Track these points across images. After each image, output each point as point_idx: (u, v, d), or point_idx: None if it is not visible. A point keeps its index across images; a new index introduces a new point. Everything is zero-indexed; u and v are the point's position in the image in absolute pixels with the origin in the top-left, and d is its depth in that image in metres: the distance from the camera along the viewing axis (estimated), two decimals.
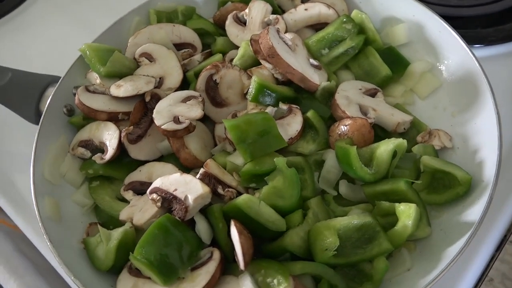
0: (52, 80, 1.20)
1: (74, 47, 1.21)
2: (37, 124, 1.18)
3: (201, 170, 0.98)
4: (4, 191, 1.21)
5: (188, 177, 0.94)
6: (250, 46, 1.11)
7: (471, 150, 0.99)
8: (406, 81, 1.16)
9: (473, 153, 0.98)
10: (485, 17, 1.35)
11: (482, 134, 0.98)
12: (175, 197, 0.91)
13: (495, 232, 1.00)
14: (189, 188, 0.91)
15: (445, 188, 0.96)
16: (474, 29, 1.32)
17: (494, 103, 0.96)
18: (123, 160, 1.09)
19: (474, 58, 1.04)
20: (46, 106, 1.11)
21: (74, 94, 1.18)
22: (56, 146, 1.10)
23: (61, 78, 1.16)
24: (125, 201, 1.05)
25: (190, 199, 0.90)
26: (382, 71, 1.15)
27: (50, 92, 1.17)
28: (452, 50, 1.10)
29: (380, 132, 1.08)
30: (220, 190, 0.95)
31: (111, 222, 1.03)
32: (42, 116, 1.10)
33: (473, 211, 0.87)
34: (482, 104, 1.00)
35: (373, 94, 1.13)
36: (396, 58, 1.18)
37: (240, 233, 0.83)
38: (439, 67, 1.14)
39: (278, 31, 1.11)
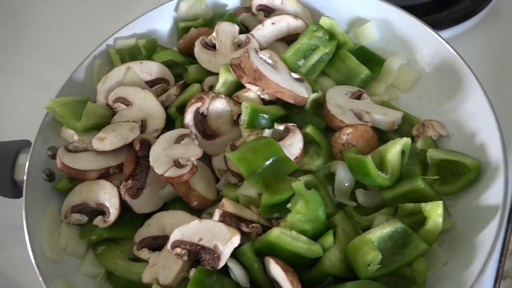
0: (21, 145, 1.09)
1: (32, 106, 1.11)
2: (15, 197, 1.07)
3: (219, 211, 0.93)
4: None
5: (209, 222, 0.89)
6: (232, 72, 1.08)
7: (467, 134, 1.03)
8: (385, 77, 1.19)
9: (471, 137, 1.02)
10: (433, 3, 1.41)
11: (475, 117, 1.02)
12: (203, 247, 0.86)
13: None
14: (214, 234, 0.87)
15: (453, 176, 0.99)
16: (428, 16, 1.37)
17: (481, 86, 1.01)
18: (124, 217, 1.01)
19: (449, 46, 1.08)
20: (25, 176, 1.00)
21: (50, 156, 1.08)
22: (47, 219, 1.00)
23: (34, 142, 1.05)
24: (139, 260, 0.98)
25: (221, 247, 0.85)
26: (361, 72, 1.16)
27: (23, 159, 1.06)
28: (424, 41, 1.14)
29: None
30: (244, 228, 0.92)
31: (131, 286, 0.95)
32: (24, 189, 0.99)
33: (491, 194, 0.91)
34: (468, 88, 1.04)
35: (358, 96, 1.14)
36: (370, 56, 1.20)
37: (285, 270, 0.81)
38: (414, 59, 1.17)
39: (256, 51, 1.09)
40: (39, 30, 1.58)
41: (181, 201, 1.02)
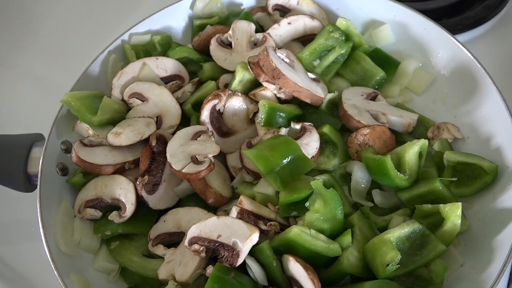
0: (33, 139, 1.08)
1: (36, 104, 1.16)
2: (26, 191, 1.06)
3: (236, 208, 0.93)
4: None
5: (227, 219, 0.89)
6: (250, 70, 1.08)
7: (483, 138, 1.03)
8: (400, 79, 1.19)
9: (487, 141, 1.02)
10: (445, 8, 1.41)
11: (492, 121, 1.02)
12: (221, 244, 0.86)
13: None
14: (233, 231, 0.86)
15: (469, 179, 0.99)
16: (440, 21, 1.38)
17: (498, 90, 1.01)
18: (139, 213, 1.00)
19: (466, 50, 1.09)
20: (40, 170, 0.99)
21: (64, 150, 1.08)
22: (60, 213, 0.99)
23: (48, 135, 1.04)
24: (153, 256, 0.97)
25: (240, 244, 0.84)
26: (376, 74, 1.16)
27: (36, 153, 1.05)
28: (440, 45, 1.15)
29: None
30: (262, 226, 0.91)
31: (146, 282, 0.95)
32: (39, 183, 0.98)
33: (507, 197, 0.91)
34: (485, 92, 1.04)
35: (373, 98, 1.14)
36: (384, 58, 1.20)
37: (306, 269, 0.80)
38: (430, 62, 1.17)
39: (274, 50, 1.09)
40: (44, 30, 1.58)
41: (195, 198, 1.02)
